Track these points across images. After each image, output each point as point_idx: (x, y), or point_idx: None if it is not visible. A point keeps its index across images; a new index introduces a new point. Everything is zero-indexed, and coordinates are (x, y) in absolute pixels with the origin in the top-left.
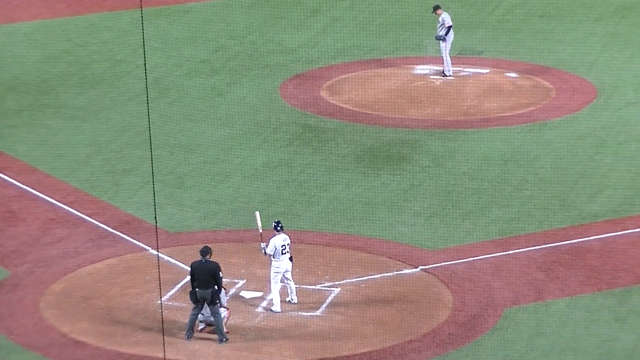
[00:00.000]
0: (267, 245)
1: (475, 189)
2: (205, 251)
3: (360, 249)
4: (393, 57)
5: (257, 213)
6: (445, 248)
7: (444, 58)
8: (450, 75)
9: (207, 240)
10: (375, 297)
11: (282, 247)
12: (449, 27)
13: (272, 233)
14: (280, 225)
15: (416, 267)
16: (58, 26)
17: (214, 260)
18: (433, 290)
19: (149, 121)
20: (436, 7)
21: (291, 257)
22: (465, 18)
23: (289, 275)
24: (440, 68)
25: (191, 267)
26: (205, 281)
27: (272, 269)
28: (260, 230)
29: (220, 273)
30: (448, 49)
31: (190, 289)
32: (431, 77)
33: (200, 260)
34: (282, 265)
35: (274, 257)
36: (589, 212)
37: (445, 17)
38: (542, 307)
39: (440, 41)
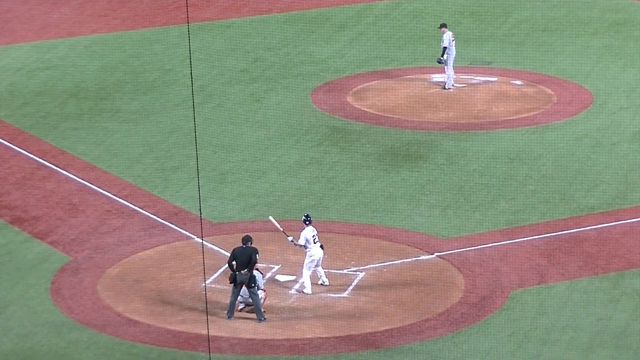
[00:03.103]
0: (297, 238)
1: (484, 184)
2: (247, 239)
3: (382, 237)
4: (411, 67)
5: (271, 217)
6: (458, 237)
7: (447, 72)
8: (449, 88)
9: (246, 229)
10: (395, 281)
11: (312, 237)
12: (444, 48)
13: (302, 226)
14: (309, 218)
15: (432, 254)
16: (114, 39)
17: (253, 247)
18: (447, 274)
19: (194, 124)
20: (442, 25)
21: (322, 245)
22: (476, 32)
23: (320, 262)
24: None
25: (233, 252)
26: (244, 264)
27: (307, 258)
28: (281, 229)
29: (257, 256)
30: (450, 63)
31: (230, 271)
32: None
33: (242, 247)
34: (316, 253)
35: (306, 247)
36: (586, 204)
37: (445, 37)
38: (544, 289)
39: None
